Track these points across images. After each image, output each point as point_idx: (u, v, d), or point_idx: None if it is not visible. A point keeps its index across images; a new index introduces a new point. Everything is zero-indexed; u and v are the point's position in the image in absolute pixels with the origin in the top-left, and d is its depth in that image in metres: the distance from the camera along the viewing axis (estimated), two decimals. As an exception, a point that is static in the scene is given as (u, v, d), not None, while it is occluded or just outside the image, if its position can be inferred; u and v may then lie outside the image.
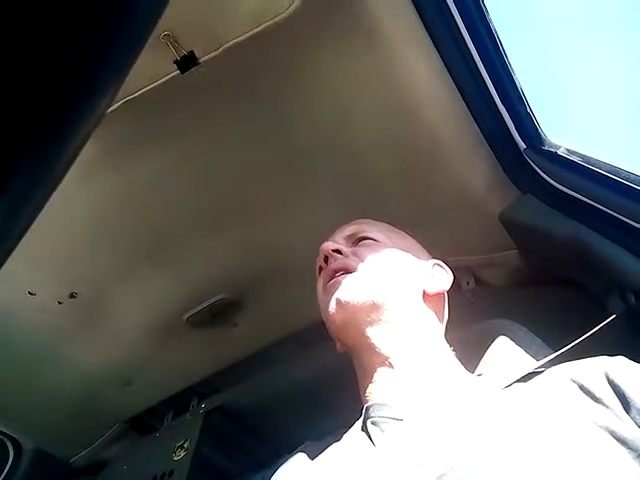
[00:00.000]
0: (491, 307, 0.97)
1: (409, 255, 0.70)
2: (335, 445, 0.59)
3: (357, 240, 0.72)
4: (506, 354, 0.74)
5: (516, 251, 1.03)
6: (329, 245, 0.69)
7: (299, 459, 0.62)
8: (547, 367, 0.56)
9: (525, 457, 0.42)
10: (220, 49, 0.76)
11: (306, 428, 0.95)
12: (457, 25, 0.77)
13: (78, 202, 0.91)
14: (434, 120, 0.89)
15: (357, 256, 0.67)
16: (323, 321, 0.68)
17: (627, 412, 0.44)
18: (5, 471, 1.29)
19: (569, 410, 0.47)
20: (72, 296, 1.07)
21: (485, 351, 0.76)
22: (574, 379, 0.50)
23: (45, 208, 0.24)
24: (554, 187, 0.87)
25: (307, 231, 0.94)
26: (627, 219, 0.74)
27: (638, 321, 0.74)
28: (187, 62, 0.76)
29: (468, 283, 1.13)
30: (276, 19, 0.74)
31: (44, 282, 1.04)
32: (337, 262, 0.67)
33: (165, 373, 1.31)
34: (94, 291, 1.09)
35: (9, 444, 1.31)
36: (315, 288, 0.71)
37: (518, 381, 0.55)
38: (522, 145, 0.90)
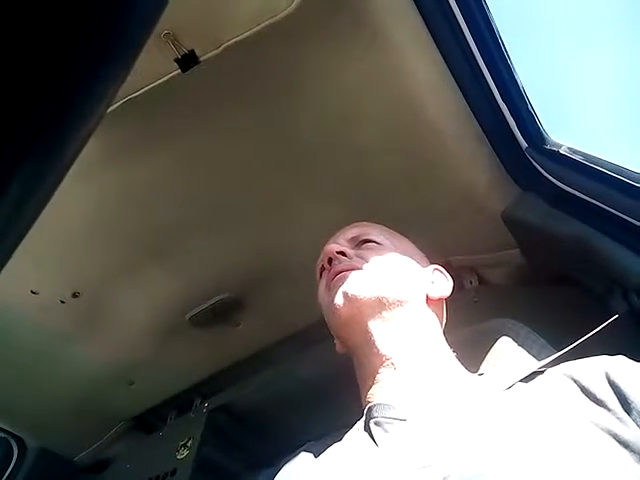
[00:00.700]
0: (493, 306, 0.97)
1: (411, 259, 0.71)
2: (338, 445, 0.59)
3: (360, 242, 0.72)
4: (508, 353, 0.74)
5: (518, 250, 1.03)
6: (334, 247, 0.69)
7: (302, 459, 0.62)
8: (549, 367, 0.56)
9: (528, 459, 0.42)
10: (221, 48, 0.76)
11: (309, 427, 0.95)
12: (459, 24, 0.77)
13: (80, 201, 0.92)
14: (436, 119, 0.89)
15: (361, 258, 0.68)
16: (325, 321, 0.68)
17: (628, 414, 0.44)
18: (9, 469, 1.30)
19: (571, 412, 0.46)
20: (75, 295, 1.07)
21: (488, 350, 0.76)
22: (575, 379, 0.50)
23: (47, 207, 0.24)
24: (556, 186, 0.87)
25: (309, 230, 0.94)
26: (630, 218, 0.74)
27: (639, 322, 0.74)
28: (188, 61, 0.76)
29: (471, 282, 1.13)
30: (277, 18, 0.74)
31: (47, 281, 1.05)
32: (342, 264, 0.66)
33: (168, 372, 1.32)
34: (97, 290, 1.09)
35: (13, 442, 1.32)
36: (317, 288, 0.71)
37: (520, 381, 0.54)
38: (524, 144, 0.89)
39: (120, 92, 0.24)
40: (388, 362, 0.60)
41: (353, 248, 0.71)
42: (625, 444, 0.42)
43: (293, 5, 0.73)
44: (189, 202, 0.99)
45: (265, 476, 0.65)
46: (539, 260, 1.00)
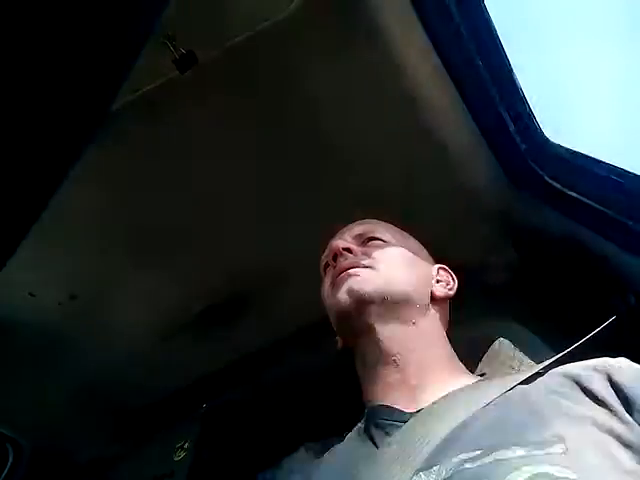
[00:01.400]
0: (491, 307, 0.97)
1: (417, 257, 0.70)
2: (338, 447, 0.59)
3: (366, 240, 0.72)
4: (506, 355, 0.74)
5: (516, 250, 1.03)
6: (340, 243, 0.69)
7: (303, 459, 0.61)
8: (550, 368, 0.56)
9: (530, 461, 0.42)
10: (220, 49, 0.76)
11: (309, 427, 0.95)
12: (457, 25, 0.77)
13: (78, 202, 0.91)
14: (433, 120, 0.89)
15: (367, 256, 0.67)
16: (327, 320, 0.68)
17: (630, 415, 0.44)
18: (5, 472, 1.29)
19: (573, 414, 0.46)
20: (72, 297, 1.07)
21: (485, 352, 0.76)
22: (576, 381, 0.50)
23: (45, 209, 0.24)
24: (553, 187, 0.87)
25: (310, 230, 0.94)
26: (627, 219, 0.74)
27: (639, 322, 0.74)
28: (187, 62, 0.76)
29: (469, 283, 1.13)
30: (276, 19, 0.74)
31: (44, 283, 1.04)
32: (348, 261, 0.66)
33: (166, 373, 1.31)
34: (94, 292, 1.09)
35: (8, 445, 1.31)
36: (320, 287, 0.71)
37: (520, 383, 0.54)
38: (522, 145, 0.89)
39: (119, 93, 0.24)
40: (390, 360, 0.60)
41: (359, 245, 0.71)
42: (627, 445, 0.42)
43: (292, 6, 0.73)
44: (189, 202, 0.99)
45: (264, 477, 0.65)
46: (537, 261, 1.00)
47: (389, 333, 0.61)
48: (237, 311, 1.22)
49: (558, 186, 0.86)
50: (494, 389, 0.55)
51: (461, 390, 0.57)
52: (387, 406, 0.57)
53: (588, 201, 0.81)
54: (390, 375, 0.60)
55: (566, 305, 0.92)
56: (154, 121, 0.86)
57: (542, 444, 0.43)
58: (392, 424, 0.54)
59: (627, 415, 0.44)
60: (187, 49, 0.74)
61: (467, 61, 0.81)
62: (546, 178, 0.88)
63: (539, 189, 0.91)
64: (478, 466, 0.43)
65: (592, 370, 0.50)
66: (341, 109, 0.88)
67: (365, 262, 0.65)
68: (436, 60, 0.82)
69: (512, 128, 0.88)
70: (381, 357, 0.60)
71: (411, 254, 0.70)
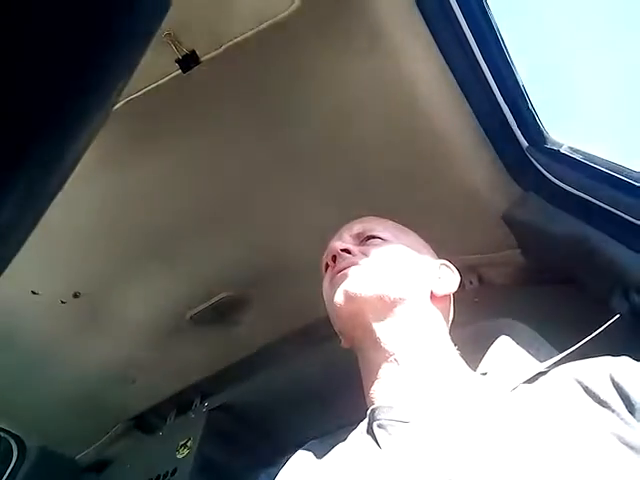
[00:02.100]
0: (494, 306, 0.97)
1: (417, 254, 0.70)
2: (341, 446, 0.59)
3: (365, 239, 0.71)
4: (509, 353, 0.74)
5: (519, 250, 1.02)
6: (338, 245, 0.69)
7: (305, 459, 0.61)
8: (552, 367, 0.56)
9: (532, 463, 0.42)
10: (222, 48, 0.76)
11: (310, 427, 0.95)
12: (459, 24, 0.77)
13: (81, 202, 0.91)
14: (436, 119, 0.89)
15: (365, 255, 0.67)
16: (328, 319, 0.68)
17: (632, 415, 0.44)
18: (9, 470, 1.30)
19: (575, 414, 0.46)
20: (75, 296, 1.07)
21: (488, 350, 0.76)
22: (579, 380, 0.50)
23: (49, 208, 0.24)
24: (557, 185, 0.87)
25: (310, 229, 0.94)
26: (630, 217, 0.74)
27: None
28: (189, 61, 0.76)
29: (471, 282, 1.13)
30: (277, 18, 0.74)
31: (47, 282, 1.05)
32: (346, 261, 0.66)
33: (168, 371, 1.32)
34: (97, 291, 1.09)
35: (12, 442, 1.31)
36: (319, 285, 0.71)
37: (524, 382, 0.54)
38: (524, 143, 0.89)
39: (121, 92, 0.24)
40: (391, 358, 0.60)
41: (358, 244, 0.71)
42: (629, 445, 0.42)
43: (294, 6, 0.73)
44: (190, 201, 0.99)
45: (267, 475, 0.65)
46: (540, 260, 1.00)
47: (387, 332, 0.61)
48: (237, 311, 1.22)
49: (560, 183, 0.86)
50: (498, 389, 0.54)
51: (464, 389, 0.57)
52: (389, 406, 0.57)
53: (591, 198, 0.80)
54: (391, 373, 0.59)
55: (568, 304, 0.91)
56: (155, 121, 0.86)
57: (544, 443, 0.43)
58: (395, 424, 0.54)
59: (629, 415, 0.44)
60: (189, 48, 0.74)
61: (470, 60, 0.81)
62: (548, 175, 0.88)
63: (541, 186, 0.91)
64: (481, 468, 0.43)
65: (595, 370, 0.50)
66: (342, 109, 0.88)
67: (362, 262, 0.65)
68: (439, 60, 0.82)
69: (514, 126, 0.88)
70: (381, 355, 0.60)
71: (410, 251, 0.69)
